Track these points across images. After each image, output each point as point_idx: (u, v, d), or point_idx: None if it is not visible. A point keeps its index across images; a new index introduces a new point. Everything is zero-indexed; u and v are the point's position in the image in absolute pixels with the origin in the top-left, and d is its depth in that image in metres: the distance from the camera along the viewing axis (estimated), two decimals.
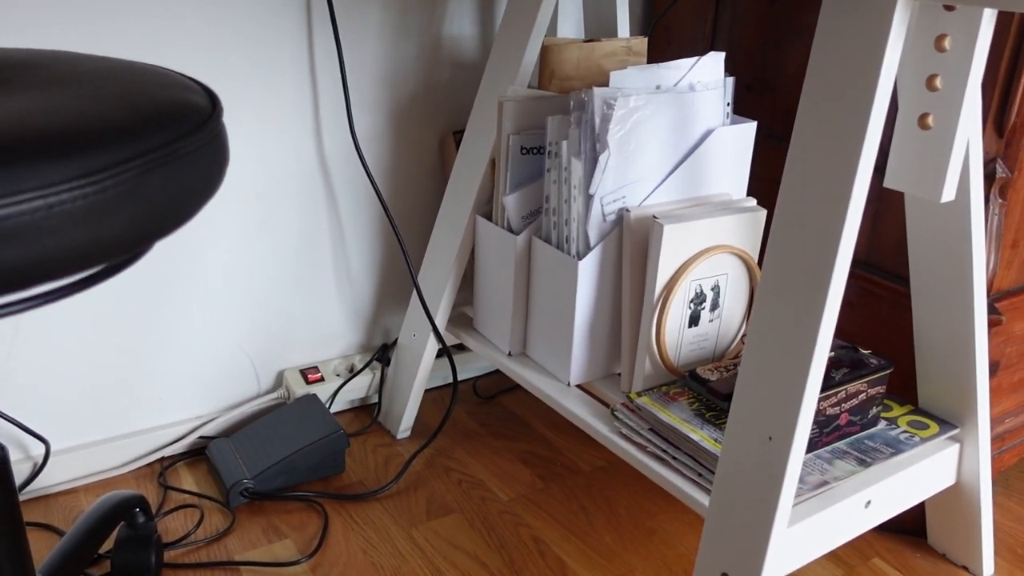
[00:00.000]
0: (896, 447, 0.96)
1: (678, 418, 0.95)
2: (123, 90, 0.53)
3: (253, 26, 1.13)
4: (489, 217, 1.16)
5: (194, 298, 1.21)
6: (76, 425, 1.18)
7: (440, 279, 1.23)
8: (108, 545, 1.06)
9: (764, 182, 1.25)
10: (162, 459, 1.25)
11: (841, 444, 0.96)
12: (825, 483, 0.89)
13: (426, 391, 1.46)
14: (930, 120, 0.79)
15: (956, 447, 1.00)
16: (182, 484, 1.20)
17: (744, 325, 1.10)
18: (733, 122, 1.08)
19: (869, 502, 0.92)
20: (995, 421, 1.16)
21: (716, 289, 1.05)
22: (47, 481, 1.16)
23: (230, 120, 1.16)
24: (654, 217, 0.98)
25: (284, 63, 1.17)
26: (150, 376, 1.22)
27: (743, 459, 0.82)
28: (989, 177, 1.02)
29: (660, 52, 1.41)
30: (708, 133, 1.05)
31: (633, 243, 1.01)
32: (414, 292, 1.28)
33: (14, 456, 1.15)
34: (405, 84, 1.28)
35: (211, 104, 0.57)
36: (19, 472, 1.15)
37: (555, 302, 1.07)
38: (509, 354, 1.16)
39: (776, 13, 1.21)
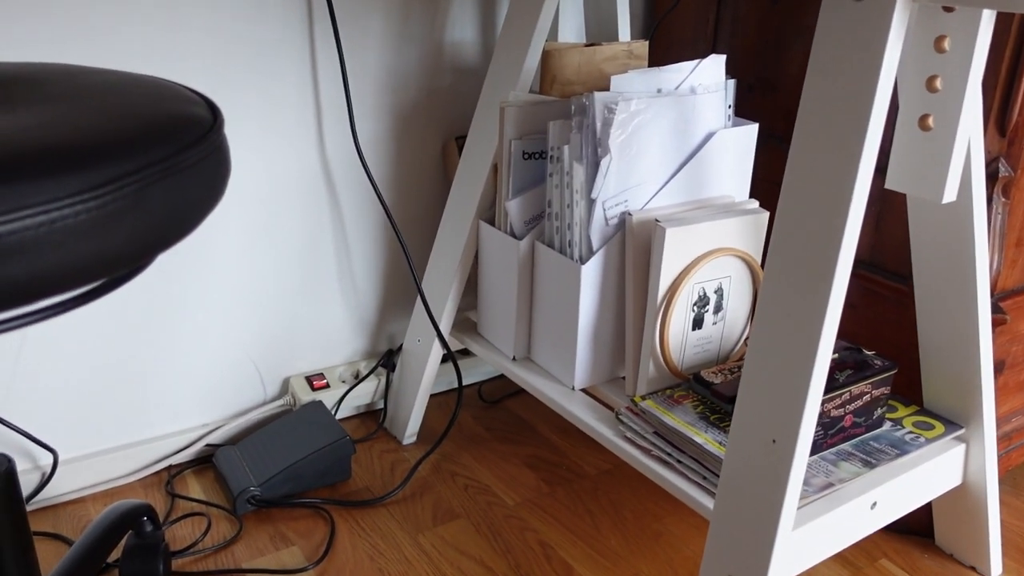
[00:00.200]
0: (901, 448, 0.96)
1: (682, 421, 0.95)
2: (124, 104, 0.53)
3: (256, 35, 1.13)
4: (492, 222, 1.16)
5: (199, 306, 1.22)
6: (83, 434, 1.19)
7: (444, 284, 1.24)
8: (116, 554, 1.07)
9: (768, 183, 1.25)
10: (169, 467, 1.25)
11: (846, 446, 0.96)
12: (830, 485, 0.89)
13: (431, 396, 1.46)
14: (931, 121, 0.79)
15: (962, 447, 1.00)
16: (189, 492, 1.20)
17: (748, 327, 1.10)
18: (735, 124, 1.08)
19: (875, 504, 0.91)
20: (1001, 420, 1.16)
21: (719, 292, 1.05)
22: (55, 491, 1.17)
23: (234, 129, 1.16)
24: (656, 220, 0.99)
25: (287, 71, 1.17)
26: (156, 384, 1.22)
27: (747, 462, 0.82)
28: (992, 176, 1.01)
29: (662, 55, 1.42)
30: (710, 136, 1.05)
31: (636, 247, 1.01)
32: (418, 298, 1.28)
33: (23, 466, 1.15)
34: (407, 90, 1.28)
35: (212, 116, 0.57)
36: (28, 482, 1.16)
37: (559, 307, 1.07)
38: (513, 359, 1.16)
39: (778, 14, 1.21)
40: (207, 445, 1.27)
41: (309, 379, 1.33)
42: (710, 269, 1.03)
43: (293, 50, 1.17)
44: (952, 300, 0.96)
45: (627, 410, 1.00)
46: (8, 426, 1.11)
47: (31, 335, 1.11)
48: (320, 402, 1.28)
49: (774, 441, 0.79)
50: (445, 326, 1.25)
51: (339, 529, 1.15)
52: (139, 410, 1.22)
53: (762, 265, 1.08)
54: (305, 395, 1.30)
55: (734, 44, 1.28)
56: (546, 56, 1.14)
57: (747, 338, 1.11)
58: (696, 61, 1.04)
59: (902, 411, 1.03)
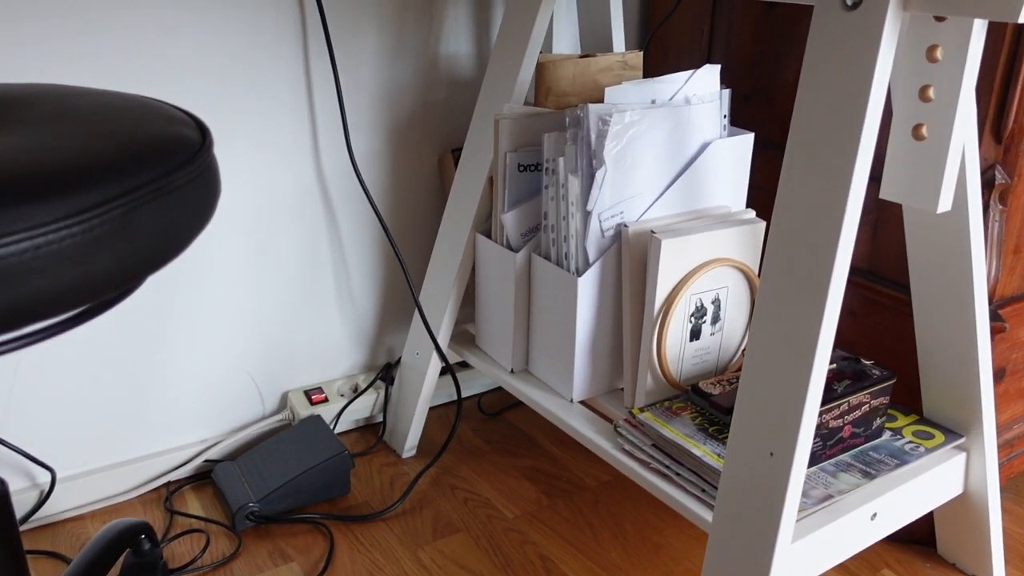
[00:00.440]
0: (901, 458, 0.96)
1: (681, 433, 0.95)
2: (111, 126, 0.53)
3: (249, 51, 1.13)
4: (489, 235, 1.16)
5: (197, 321, 1.21)
6: (81, 452, 1.19)
7: (441, 297, 1.23)
8: (114, 572, 1.06)
9: (765, 192, 1.24)
10: (168, 483, 1.25)
11: (845, 456, 0.96)
12: (829, 497, 0.89)
13: (430, 409, 1.46)
14: (924, 131, 0.79)
15: (962, 456, 1.00)
16: (188, 508, 1.20)
17: (746, 338, 1.10)
18: (731, 134, 1.08)
19: (875, 514, 0.91)
20: (1002, 427, 1.15)
21: (716, 302, 1.05)
22: (53, 509, 1.17)
23: (230, 146, 1.16)
24: (652, 232, 0.98)
25: (281, 87, 1.17)
26: (154, 400, 1.22)
27: (745, 475, 0.81)
28: (988, 183, 1.01)
29: (657, 65, 1.42)
30: (705, 146, 1.05)
31: (632, 258, 1.01)
32: (416, 311, 1.28)
33: (20, 485, 1.15)
34: (402, 104, 1.28)
35: (201, 136, 0.57)
36: (25, 501, 1.15)
37: (556, 319, 1.07)
38: (512, 371, 1.16)
39: (772, 23, 1.21)
40: (206, 461, 1.26)
41: (308, 393, 1.33)
42: (707, 280, 1.03)
43: (287, 66, 1.17)
44: (950, 309, 0.95)
45: (625, 422, 0.99)
46: (5, 445, 1.11)
47: (27, 354, 1.11)
48: (319, 416, 1.28)
49: (771, 454, 0.79)
50: (443, 339, 1.25)
51: (338, 544, 1.14)
52: (137, 426, 1.22)
53: (759, 275, 1.08)
54: (304, 409, 1.30)
55: (729, 54, 1.28)
56: (540, 68, 1.14)
57: (745, 349, 1.10)
58: (691, 71, 1.04)
59: (902, 420, 1.03)
